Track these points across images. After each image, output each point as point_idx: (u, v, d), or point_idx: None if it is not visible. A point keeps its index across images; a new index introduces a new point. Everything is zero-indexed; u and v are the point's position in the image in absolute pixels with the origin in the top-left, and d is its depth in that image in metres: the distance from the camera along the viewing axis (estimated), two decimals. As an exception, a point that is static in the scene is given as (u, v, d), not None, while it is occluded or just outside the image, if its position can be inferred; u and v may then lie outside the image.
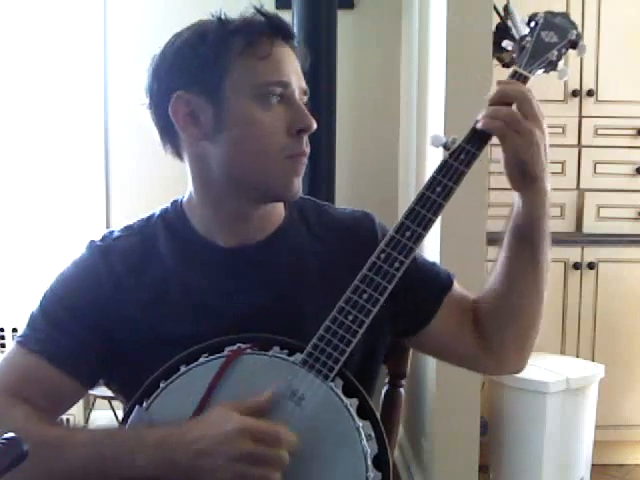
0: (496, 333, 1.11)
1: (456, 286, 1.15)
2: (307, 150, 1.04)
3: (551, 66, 1.04)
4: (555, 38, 1.03)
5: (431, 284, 1.14)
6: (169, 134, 1.06)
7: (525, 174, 0.99)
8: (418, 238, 0.98)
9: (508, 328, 1.11)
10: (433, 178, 0.99)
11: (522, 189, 1.01)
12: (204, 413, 0.93)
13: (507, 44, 1.07)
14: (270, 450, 0.88)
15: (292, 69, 1.03)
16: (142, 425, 0.95)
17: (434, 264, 1.18)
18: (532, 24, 1.05)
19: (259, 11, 1.02)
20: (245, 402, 0.92)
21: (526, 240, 1.04)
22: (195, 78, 1.01)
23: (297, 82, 1.03)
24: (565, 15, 1.06)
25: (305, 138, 1.03)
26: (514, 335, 1.11)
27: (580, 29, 2.89)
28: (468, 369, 1.22)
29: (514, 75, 1.01)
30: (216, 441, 0.87)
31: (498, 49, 1.09)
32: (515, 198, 1.04)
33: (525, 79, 1.01)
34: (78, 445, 0.94)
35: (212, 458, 0.87)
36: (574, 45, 1.05)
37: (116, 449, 0.92)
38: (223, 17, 1.03)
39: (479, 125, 0.98)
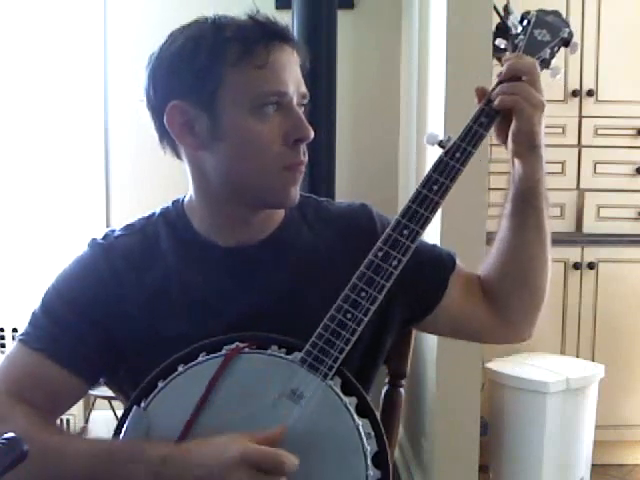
0: (507, 300, 1.13)
1: (459, 263, 1.17)
2: (305, 159, 1.03)
3: (544, 64, 1.05)
4: (547, 36, 1.04)
5: (435, 267, 1.15)
6: (167, 138, 1.05)
7: (530, 143, 1.03)
8: (415, 236, 0.99)
9: (518, 293, 1.13)
10: (429, 176, 0.99)
11: (525, 156, 1.04)
12: (211, 436, 0.91)
13: (500, 42, 1.07)
14: (270, 478, 0.87)
15: (290, 75, 1.01)
16: (139, 433, 0.95)
17: (434, 246, 1.19)
18: (525, 22, 1.05)
19: (253, 18, 1.00)
20: (256, 433, 0.90)
21: (529, 203, 1.07)
22: (190, 88, 0.99)
23: (295, 88, 1.02)
24: (557, 13, 1.06)
25: (303, 147, 1.02)
26: (525, 300, 1.14)
27: (580, 29, 2.89)
28: (483, 342, 1.26)
29: None
30: (216, 468, 0.87)
31: (497, 48, 1.09)
32: (515, 167, 1.07)
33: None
34: (77, 457, 0.93)
35: None
36: (566, 43, 1.06)
37: (115, 463, 0.91)
38: (217, 21, 1.01)
39: (495, 104, 1.01)
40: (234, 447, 0.87)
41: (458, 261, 1.17)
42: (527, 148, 1.03)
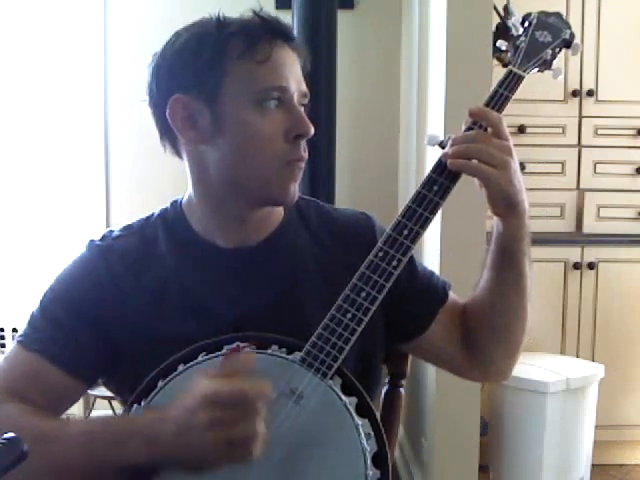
0: (484, 347, 1.13)
1: (451, 297, 1.16)
2: (305, 155, 1.03)
3: (545, 65, 1.05)
4: (549, 38, 1.04)
5: (428, 296, 1.15)
6: (168, 135, 1.06)
7: (508, 203, 0.99)
8: (415, 236, 0.98)
9: (496, 342, 1.12)
10: (429, 177, 0.99)
11: (505, 216, 1.01)
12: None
13: (501, 44, 1.07)
14: (240, 408, 0.85)
15: (291, 73, 1.02)
16: (134, 414, 0.95)
17: (432, 274, 1.18)
18: (526, 24, 1.06)
19: (257, 14, 1.02)
20: (218, 365, 0.91)
21: (511, 260, 1.05)
22: (193, 81, 1.00)
23: (296, 86, 1.02)
24: (559, 15, 1.06)
25: (303, 143, 1.03)
26: (501, 348, 1.13)
27: (580, 29, 2.89)
28: (458, 376, 1.22)
29: (509, 74, 1.02)
30: (186, 417, 0.86)
31: (498, 49, 1.09)
32: (495, 222, 1.04)
33: (520, 78, 1.02)
34: (73, 436, 0.94)
35: (189, 434, 0.86)
36: (568, 44, 1.06)
37: (109, 438, 0.92)
38: (222, 18, 1.02)
39: (449, 165, 0.97)
40: (198, 388, 0.87)
41: (451, 293, 1.16)
42: (506, 208, 0.99)
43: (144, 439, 0.89)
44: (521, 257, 1.05)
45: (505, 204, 0.99)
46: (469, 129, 0.99)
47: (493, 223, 1.04)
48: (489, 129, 0.98)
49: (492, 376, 1.20)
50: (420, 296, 1.13)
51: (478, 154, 0.96)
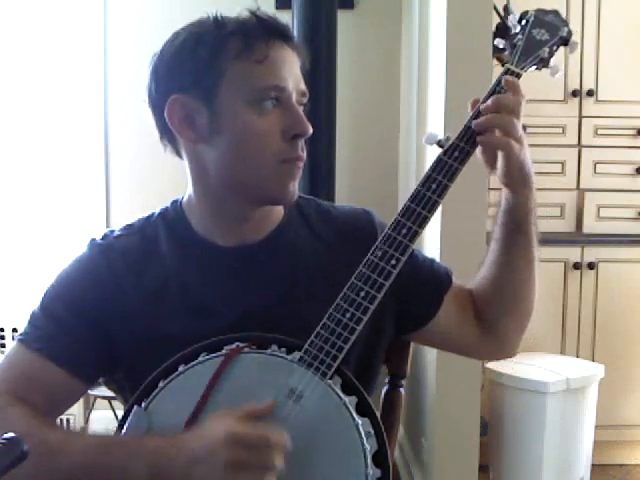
0: (498, 320, 1.15)
1: (455, 281, 1.18)
2: (303, 155, 1.04)
3: (543, 63, 1.05)
4: (546, 35, 1.04)
5: (432, 284, 1.15)
6: (168, 135, 1.06)
7: (521, 174, 1.01)
8: (414, 235, 0.99)
9: (509, 314, 1.14)
10: (428, 175, 0.99)
11: (518, 188, 1.03)
12: (201, 422, 0.92)
13: (499, 42, 1.07)
14: (260, 456, 0.87)
15: (289, 72, 1.02)
16: (139, 432, 0.95)
17: (433, 262, 1.19)
18: (523, 22, 1.05)
19: (254, 14, 1.02)
20: (243, 407, 0.91)
21: (519, 231, 1.07)
22: (191, 81, 1.00)
23: (294, 85, 1.02)
24: (556, 13, 1.06)
25: (301, 143, 1.03)
26: (515, 319, 1.15)
27: (580, 29, 2.89)
28: (470, 357, 1.26)
29: (506, 72, 1.02)
30: (206, 449, 0.87)
31: (498, 49, 1.09)
32: (505, 196, 1.06)
33: (517, 76, 1.02)
34: (76, 452, 0.94)
35: (203, 466, 0.87)
36: (565, 42, 1.06)
37: (112, 457, 0.92)
38: (219, 18, 1.02)
39: (478, 140, 0.99)
40: (219, 427, 0.88)
41: (454, 278, 1.18)
42: (519, 180, 1.02)
43: (148, 464, 0.89)
44: (530, 229, 1.07)
45: (520, 176, 1.01)
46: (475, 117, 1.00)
47: (501, 197, 1.07)
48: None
49: (504, 352, 1.21)
50: (425, 284, 1.14)
51: (510, 128, 0.98)
